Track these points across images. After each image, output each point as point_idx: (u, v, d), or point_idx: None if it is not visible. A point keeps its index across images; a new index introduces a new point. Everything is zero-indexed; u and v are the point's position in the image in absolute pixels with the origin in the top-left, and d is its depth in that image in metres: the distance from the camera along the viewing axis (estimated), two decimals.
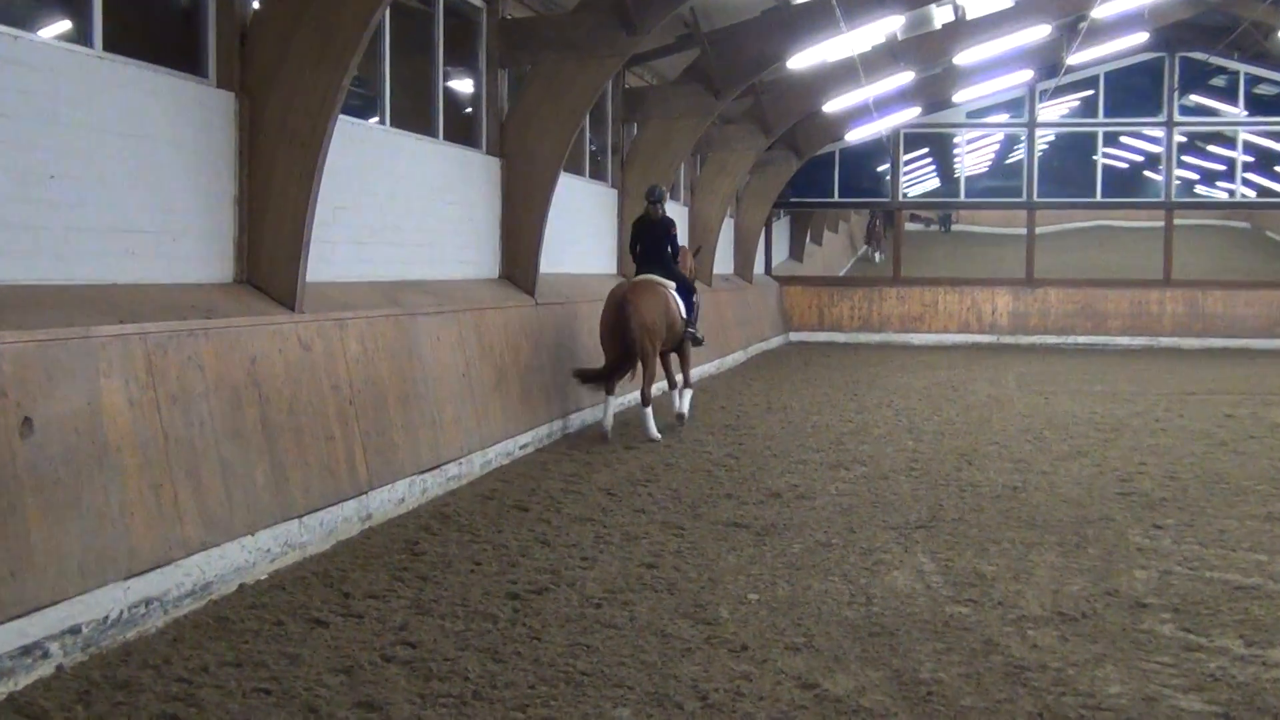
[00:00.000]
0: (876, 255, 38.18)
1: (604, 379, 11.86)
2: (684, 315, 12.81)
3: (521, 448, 10.95)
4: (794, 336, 27.56)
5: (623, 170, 16.28)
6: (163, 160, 6.95)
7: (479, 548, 7.62)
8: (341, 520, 7.66)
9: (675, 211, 19.85)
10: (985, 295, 27.13)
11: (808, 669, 5.46)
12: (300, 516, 7.20)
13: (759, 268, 26.93)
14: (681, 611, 6.32)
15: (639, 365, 12.01)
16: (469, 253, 11.24)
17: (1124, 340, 26.16)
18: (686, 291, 12.96)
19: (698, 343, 13.36)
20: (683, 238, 19.77)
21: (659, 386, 15.04)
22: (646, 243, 12.77)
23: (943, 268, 34.61)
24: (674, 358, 13.87)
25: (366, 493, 7.98)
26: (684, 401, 13.17)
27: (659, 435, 12.14)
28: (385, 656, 5.59)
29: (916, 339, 27.07)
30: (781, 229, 31.60)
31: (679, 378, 13.41)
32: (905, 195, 28.77)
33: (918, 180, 30.68)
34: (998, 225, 43.93)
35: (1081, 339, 26.38)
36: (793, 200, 28.41)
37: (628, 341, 11.79)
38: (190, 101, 7.17)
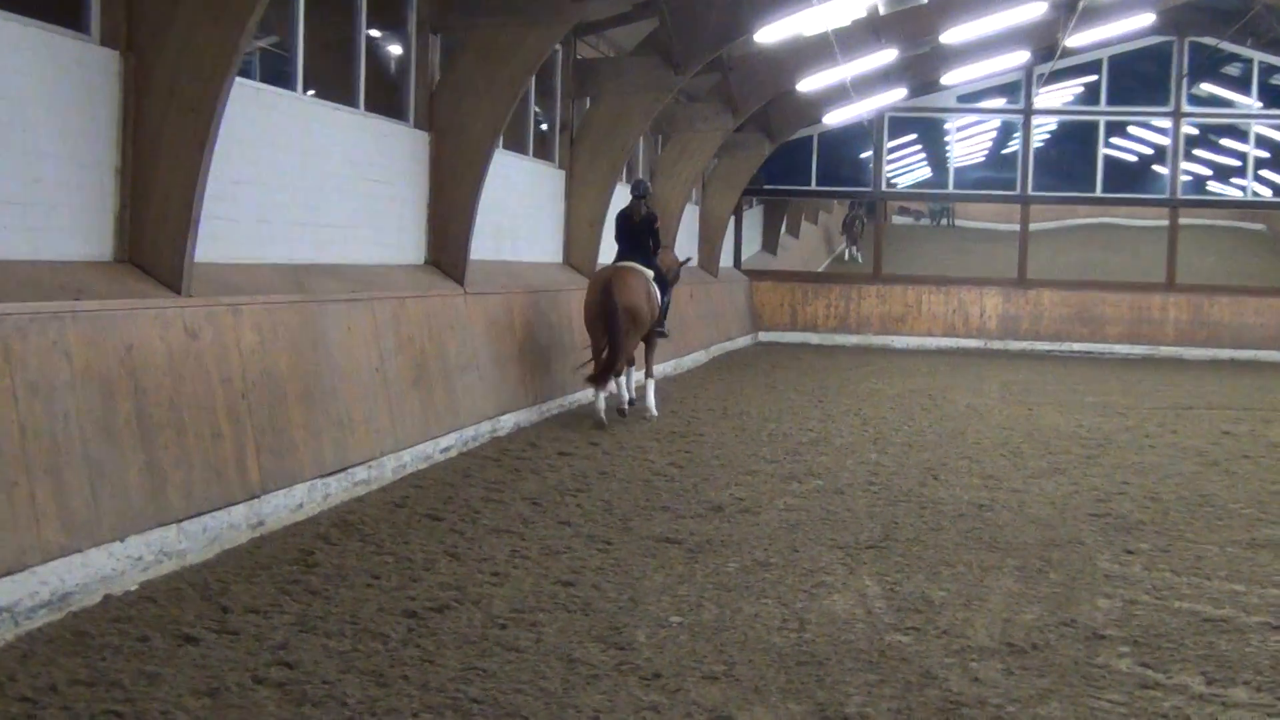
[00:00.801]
0: (854, 253, 38.19)
1: (609, 369, 13.29)
2: (658, 305, 14.28)
3: (443, 451, 10.90)
4: (763, 336, 27.63)
5: (571, 149, 16.25)
6: (34, 124, 6.87)
7: (380, 560, 7.57)
8: (228, 527, 7.59)
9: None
10: (973, 296, 27.30)
11: (723, 700, 5.45)
12: (179, 521, 7.13)
13: (726, 260, 26.96)
14: (594, 634, 6.30)
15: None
16: (390, 235, 11.19)
17: (1122, 348, 26.36)
18: (662, 285, 14.64)
19: (663, 336, 14.91)
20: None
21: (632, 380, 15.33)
22: (629, 236, 14.29)
23: (929, 265, 34.81)
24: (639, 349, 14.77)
25: (258, 497, 7.91)
26: (650, 395, 14.39)
27: (605, 421, 13.47)
28: (257, 678, 5.53)
29: (898, 342, 27.18)
30: (754, 219, 31.64)
31: (638, 374, 14.70)
32: (890, 185, 28.91)
33: (905, 169, 30.81)
34: (994, 220, 44.15)
35: (1076, 346, 26.57)
36: (766, 188, 28.49)
37: (613, 322, 13.17)
38: (69, 60, 7.09)
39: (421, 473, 10.32)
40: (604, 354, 13.30)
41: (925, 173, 30.04)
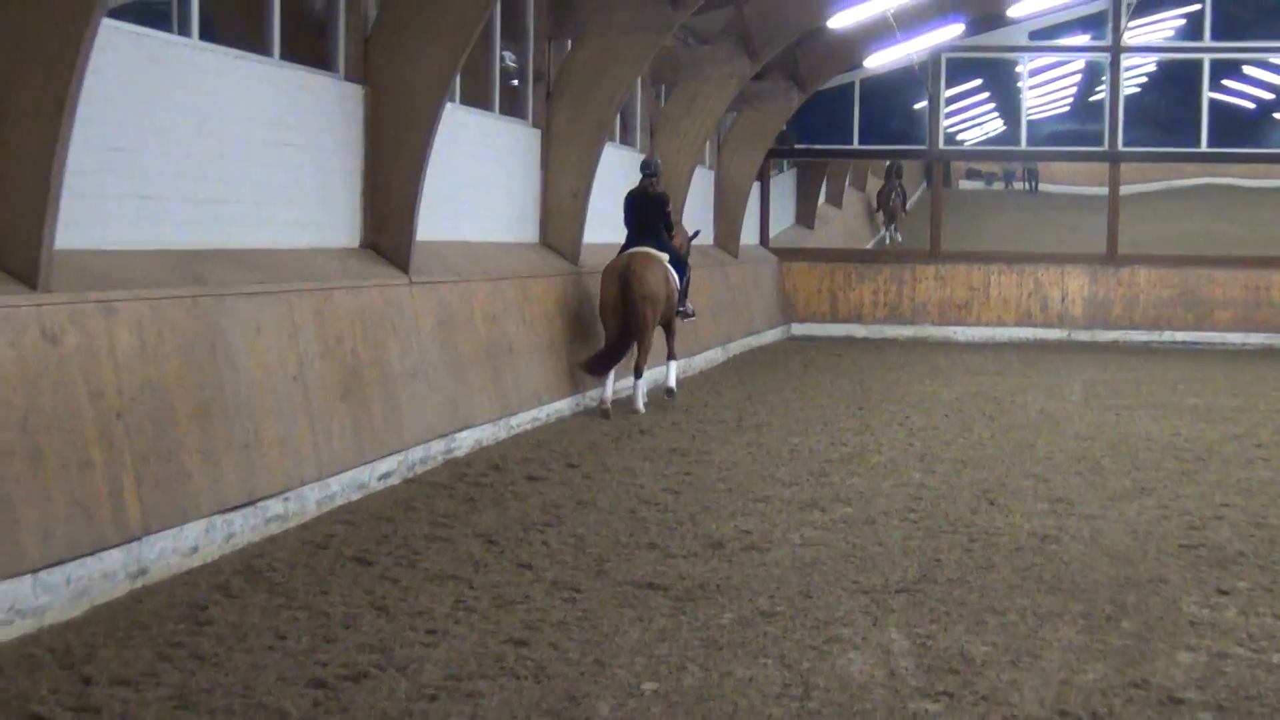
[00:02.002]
0: (892, 234, 37.83)
1: (610, 361, 15.13)
2: (677, 287, 16.01)
3: (381, 479, 10.79)
4: (796, 329, 27.56)
5: (549, 103, 16.13)
6: None
7: (289, 616, 7.43)
8: (99, 577, 7.46)
9: (624, 159, 19.74)
10: (1053, 276, 27.18)
11: None
12: (35, 571, 7.00)
13: (749, 235, 26.86)
14: (545, 707, 6.15)
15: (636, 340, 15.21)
16: (313, 212, 11.09)
17: (1235, 338, 26.19)
18: (679, 265, 16.29)
19: (688, 316, 16.78)
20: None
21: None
22: (640, 219, 15.92)
23: (1002, 238, 34.71)
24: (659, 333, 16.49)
25: (139, 539, 7.79)
26: (671, 375, 16.56)
27: (644, 409, 15.54)
28: None
29: (960, 334, 27.09)
30: (784, 186, 31.58)
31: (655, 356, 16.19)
32: (951, 141, 28.77)
33: (969, 122, 30.67)
34: (1080, 183, 44.08)
35: (1179, 335, 26.41)
36: (798, 147, 28.39)
37: (630, 313, 15.04)
38: None
39: (353, 505, 10.20)
40: (615, 343, 15.17)
41: (995, 126, 29.88)
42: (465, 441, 12.44)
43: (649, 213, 15.90)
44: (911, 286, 27.50)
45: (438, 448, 11.87)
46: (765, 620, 7.53)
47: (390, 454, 10.97)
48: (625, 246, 15.99)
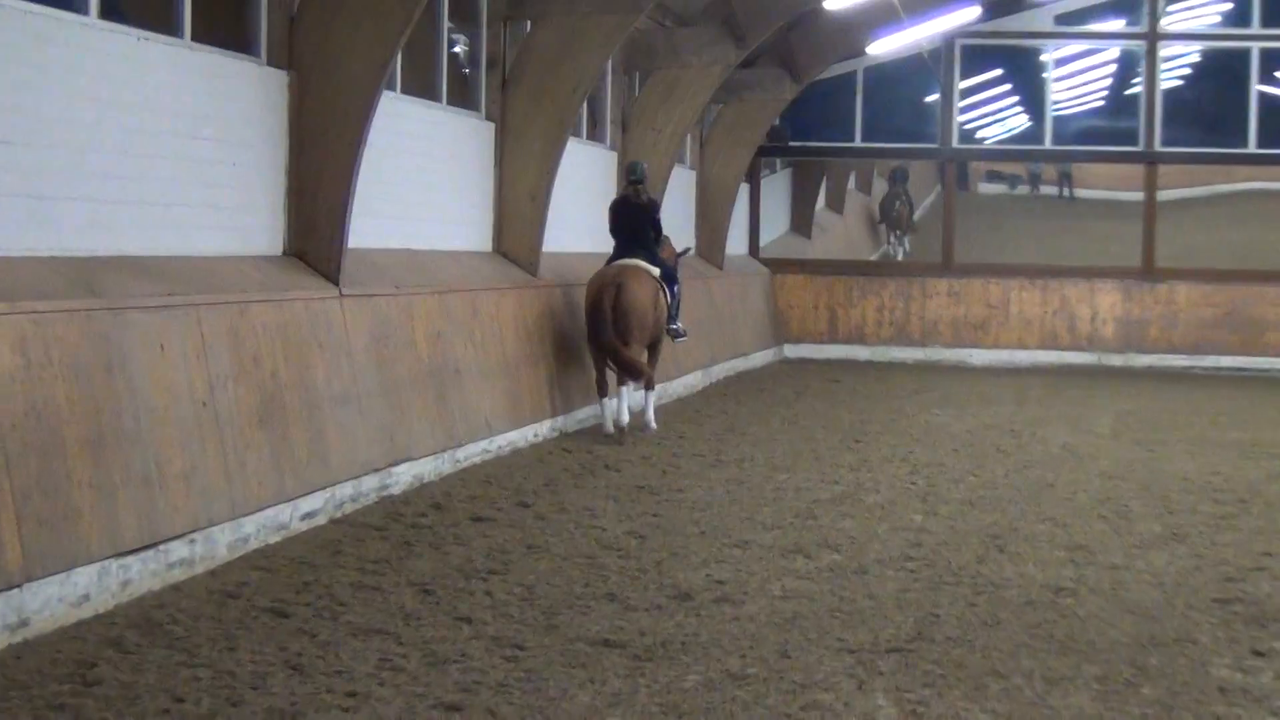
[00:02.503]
0: (896, 246, 37.54)
1: (629, 372, 15.90)
2: (667, 302, 16.69)
3: (305, 518, 10.77)
4: (790, 350, 27.65)
5: (504, 93, 16.16)
6: None
7: (190, 675, 7.40)
8: None
9: (597, 158, 19.77)
10: (1082, 292, 27.31)
11: None
12: None
13: (736, 245, 26.91)
14: None
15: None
16: (230, 215, 11.09)
17: None
18: (670, 279, 16.93)
19: (679, 336, 17.51)
20: (608, 192, 19.72)
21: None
22: (627, 228, 16.65)
23: (1023, 249, 34.71)
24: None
25: (19, 586, 7.76)
26: (649, 408, 16.95)
27: (621, 426, 16.06)
28: None
29: (975, 356, 27.19)
30: (777, 188, 31.62)
31: (628, 385, 16.50)
32: (967, 139, 28.85)
33: (988, 118, 30.77)
34: (1117, 188, 44.15)
35: (1223, 360, 26.53)
36: (793, 144, 28.46)
37: (619, 326, 15.68)
38: None
39: (271, 549, 10.17)
40: (609, 362, 15.95)
41: (1017, 122, 30.00)
42: (402, 477, 12.42)
43: (637, 221, 16.60)
44: (921, 303, 27.59)
45: (370, 484, 11.85)
46: (735, 684, 7.50)
47: (315, 491, 10.94)
48: (613, 258, 16.63)
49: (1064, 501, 13.05)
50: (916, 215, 38.99)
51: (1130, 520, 12.20)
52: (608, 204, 17.18)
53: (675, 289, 17.11)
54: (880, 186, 39.24)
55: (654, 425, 16.81)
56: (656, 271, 16.52)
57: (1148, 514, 12.49)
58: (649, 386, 16.86)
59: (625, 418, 16.10)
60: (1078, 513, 12.50)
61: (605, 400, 16.20)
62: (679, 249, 18.30)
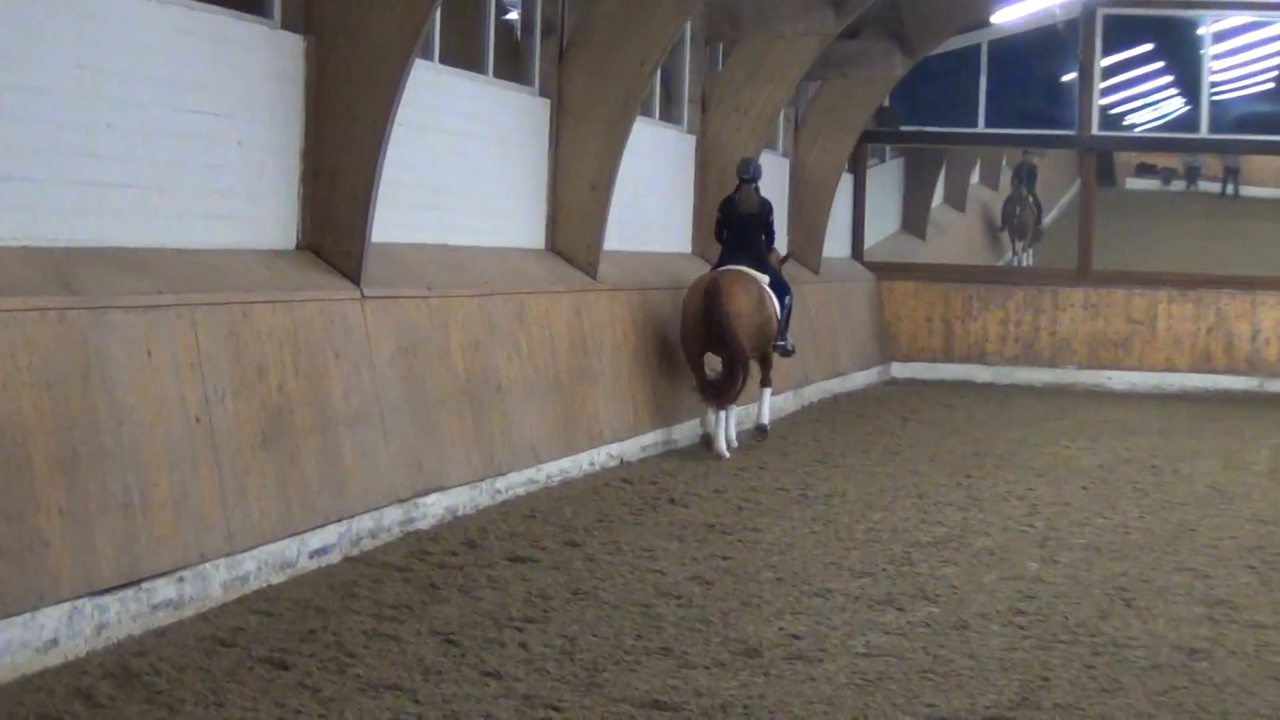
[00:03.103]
0: (1020, 255, 37.17)
1: (724, 391, 16.87)
2: (777, 316, 17.79)
3: (315, 555, 10.82)
4: (898, 370, 27.57)
5: (560, 66, 16.19)
6: None
7: None
8: None
9: (671, 142, 19.79)
10: (1243, 306, 27.08)
11: None
12: None
13: (836, 246, 26.85)
14: None
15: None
16: (233, 202, 11.15)
17: None
18: (780, 289, 17.95)
19: (787, 354, 18.65)
20: (685, 181, 19.72)
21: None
22: (736, 230, 17.79)
23: (1175, 255, 34.49)
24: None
25: None
26: (764, 408, 18.37)
27: (728, 453, 17.10)
28: None
29: (1115, 380, 27.03)
30: (886, 181, 31.57)
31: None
32: (1108, 124, 28.65)
33: (1135, 100, 30.60)
34: None
35: None
36: (904, 129, 28.37)
37: (722, 340, 16.67)
38: None
39: (273, 590, 10.20)
40: (716, 374, 17.00)
41: (1170, 107, 29.81)
42: (432, 509, 12.43)
43: (747, 225, 17.77)
44: (1052, 317, 27.46)
45: (393, 516, 11.87)
46: None
47: (328, 524, 10.97)
48: (718, 263, 17.86)
49: (1207, 549, 12.95)
50: (1048, 219, 38.77)
51: None
52: (682, 196, 17.24)
53: (787, 300, 18.16)
54: (1010, 180, 39.13)
55: (768, 428, 18.26)
56: (765, 279, 17.56)
57: None
58: (766, 384, 18.29)
59: (729, 440, 17.32)
60: (1221, 562, 12.40)
61: (719, 411, 17.18)
62: (782, 254, 18.83)
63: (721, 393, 16.92)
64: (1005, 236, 37.62)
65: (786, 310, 18.15)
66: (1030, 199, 36.55)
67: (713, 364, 17.19)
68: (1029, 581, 11.47)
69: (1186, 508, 15.01)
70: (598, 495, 14.40)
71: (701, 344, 16.95)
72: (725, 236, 17.92)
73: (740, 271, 17.29)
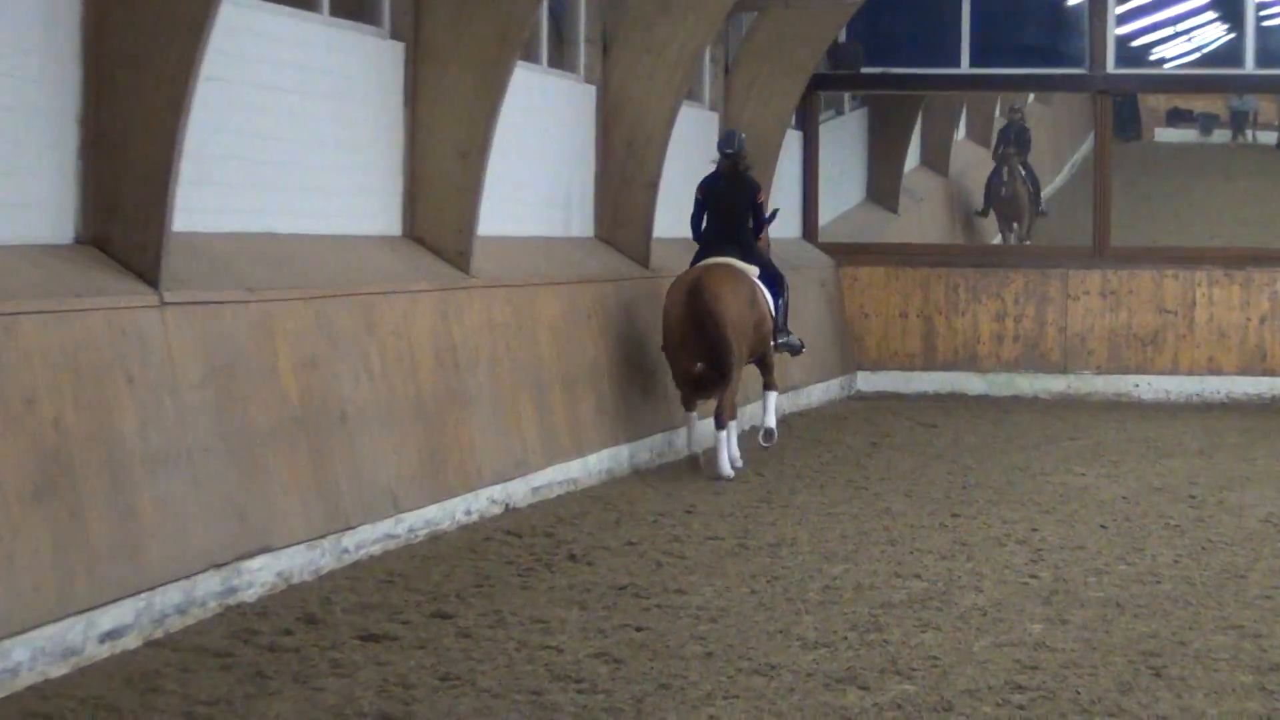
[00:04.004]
0: (1012, 232, 36.71)
1: (718, 386, 18.61)
2: (772, 314, 19.47)
3: (106, 638, 10.74)
4: (865, 381, 27.59)
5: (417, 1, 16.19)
6: None
7: None
8: None
9: (565, 94, 19.79)
10: None
11: None
12: None
13: (781, 226, 26.80)
14: None
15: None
16: None
17: None
18: (772, 281, 19.63)
19: (795, 352, 20.82)
20: (583, 144, 19.81)
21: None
22: (720, 213, 19.30)
23: (1216, 225, 34.75)
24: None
25: None
26: (769, 411, 20.14)
27: (731, 472, 18.71)
28: None
29: (1144, 387, 27.17)
30: (847, 138, 31.64)
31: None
32: (1127, 59, 28.80)
33: (1164, 30, 30.83)
34: None
35: None
36: (865, 72, 28.40)
37: (710, 344, 18.25)
38: None
39: (54, 686, 10.09)
40: (701, 380, 18.76)
41: (1209, 35, 30.02)
42: (259, 576, 12.38)
43: (734, 208, 19.38)
44: (1062, 308, 27.56)
45: (208, 587, 11.81)
46: None
47: (122, 598, 10.87)
48: (700, 255, 19.34)
49: (1259, 602, 12.94)
50: (1054, 184, 38.83)
51: None
52: (581, 163, 17.27)
53: (782, 293, 20.00)
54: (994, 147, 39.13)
55: (775, 431, 20.12)
56: (754, 271, 19.14)
57: None
58: (770, 387, 20.29)
59: (731, 458, 18.95)
60: (1273, 618, 12.40)
61: (693, 415, 19.29)
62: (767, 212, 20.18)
63: (720, 407, 18.59)
64: (990, 216, 36.92)
65: (784, 304, 19.91)
66: (1020, 168, 36.05)
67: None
68: (1031, 648, 11.41)
69: (1234, 549, 15.05)
70: (475, 553, 14.36)
71: (689, 352, 18.52)
72: (709, 222, 19.39)
73: (727, 266, 18.73)
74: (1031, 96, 38.76)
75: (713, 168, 19.71)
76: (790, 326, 20.87)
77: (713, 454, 18.77)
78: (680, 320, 18.40)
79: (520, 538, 15.01)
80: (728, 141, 19.35)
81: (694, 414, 19.26)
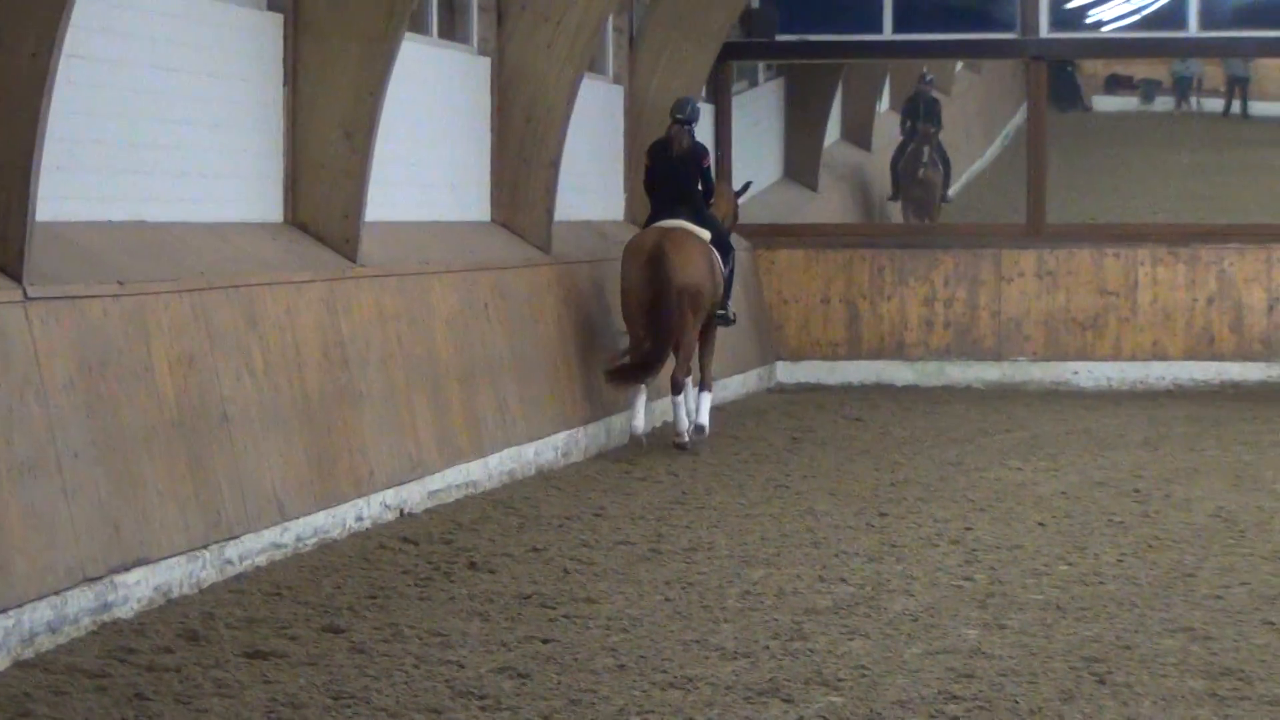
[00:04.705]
0: (917, 211, 35.58)
1: (643, 373, 20.25)
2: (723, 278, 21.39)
3: None
4: (786, 372, 27.61)
5: None
6: None
7: None
8: None
9: (458, 68, 19.80)
10: (1255, 266, 27.46)
11: None
12: None
13: None
14: None
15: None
16: None
17: None
18: (723, 247, 21.60)
19: (728, 322, 22.10)
20: (478, 121, 19.83)
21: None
22: (668, 179, 21.19)
23: (1160, 199, 34.83)
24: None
25: None
26: (702, 408, 21.44)
27: (688, 439, 20.81)
28: None
29: (1084, 374, 27.29)
30: (762, 111, 31.67)
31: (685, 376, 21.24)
32: (1063, 23, 28.88)
33: None
34: None
35: None
36: (781, 40, 28.41)
37: (662, 310, 20.07)
38: None
39: None
40: (650, 350, 20.29)
41: None
42: (136, 591, 12.32)
43: (682, 173, 21.18)
44: (995, 290, 27.61)
45: (81, 603, 11.75)
46: None
47: None
48: (650, 220, 21.39)
49: (1209, 602, 13.02)
50: (982, 162, 38.74)
51: None
52: (475, 141, 17.30)
53: (730, 261, 21.79)
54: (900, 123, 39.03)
55: (707, 429, 21.37)
56: (706, 235, 20.96)
57: None
58: (707, 385, 21.77)
59: (643, 422, 20.92)
60: (1230, 618, 12.46)
61: (640, 393, 20.76)
62: (737, 188, 22.95)
63: (644, 373, 20.27)
64: (899, 201, 36.01)
65: (730, 272, 21.64)
66: (930, 147, 35.06)
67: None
68: (966, 655, 11.48)
69: (1182, 546, 15.14)
70: (369, 562, 14.36)
71: (644, 312, 20.41)
72: (659, 186, 21.36)
73: (685, 231, 20.72)
74: (960, 64, 38.87)
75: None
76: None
77: (675, 415, 20.99)
78: (638, 283, 20.37)
79: (416, 545, 15.01)
80: (680, 108, 21.24)
81: (640, 399, 20.71)
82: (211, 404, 13.67)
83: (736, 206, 22.82)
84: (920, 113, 35.67)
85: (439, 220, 18.90)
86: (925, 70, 35.91)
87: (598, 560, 14.63)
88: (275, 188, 16.11)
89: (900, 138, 36.22)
